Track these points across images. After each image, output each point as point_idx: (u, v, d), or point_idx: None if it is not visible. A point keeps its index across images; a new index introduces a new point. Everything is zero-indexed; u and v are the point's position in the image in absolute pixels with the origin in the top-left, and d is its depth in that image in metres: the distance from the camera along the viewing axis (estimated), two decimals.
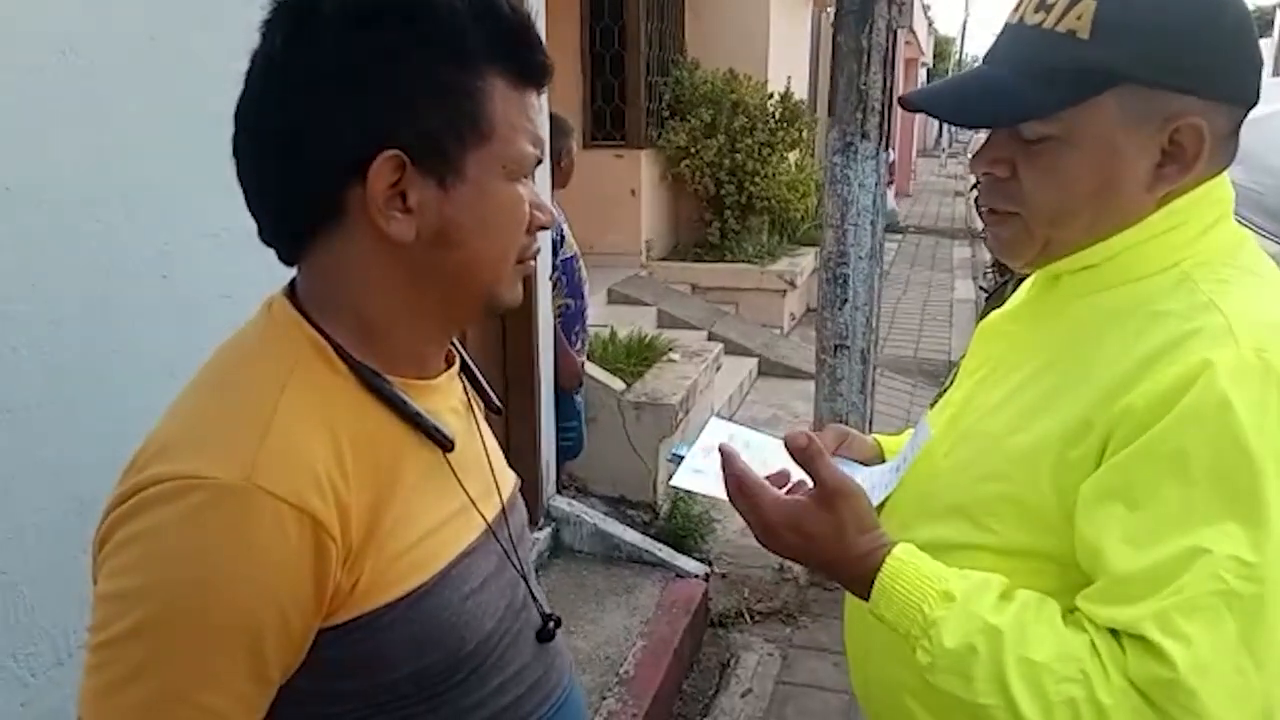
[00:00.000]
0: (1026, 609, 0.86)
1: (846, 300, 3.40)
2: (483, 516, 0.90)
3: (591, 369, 3.88)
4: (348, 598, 0.76)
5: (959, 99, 0.98)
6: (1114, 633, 0.82)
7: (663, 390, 4.01)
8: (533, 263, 0.88)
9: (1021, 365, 0.99)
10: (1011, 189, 0.95)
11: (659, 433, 3.88)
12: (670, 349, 4.46)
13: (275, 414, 0.74)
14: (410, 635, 0.79)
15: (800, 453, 0.94)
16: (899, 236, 12.40)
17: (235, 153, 0.81)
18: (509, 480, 1.00)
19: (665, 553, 3.43)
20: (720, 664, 3.18)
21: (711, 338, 5.76)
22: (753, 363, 5.96)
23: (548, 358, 3.30)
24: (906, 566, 0.90)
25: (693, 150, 6.99)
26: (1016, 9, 0.94)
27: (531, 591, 0.96)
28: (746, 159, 7.02)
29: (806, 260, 7.42)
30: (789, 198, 7.36)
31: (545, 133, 0.86)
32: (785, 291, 7.06)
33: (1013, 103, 0.91)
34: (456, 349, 0.96)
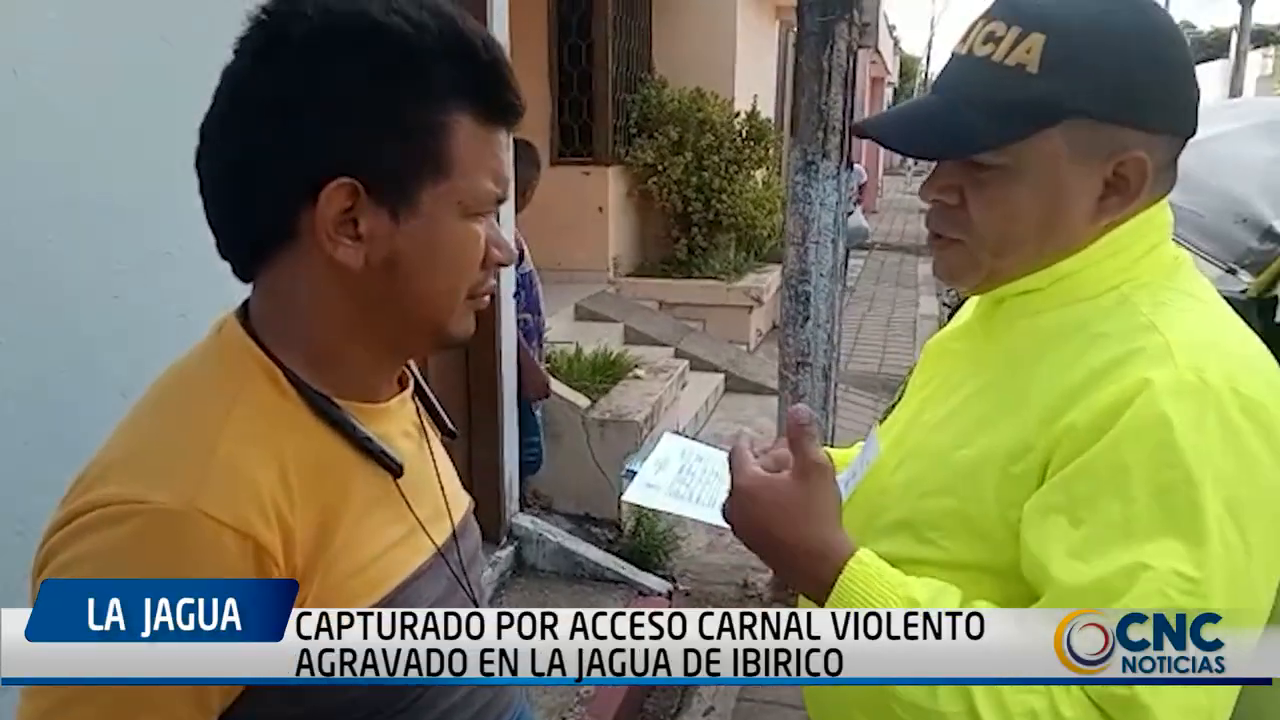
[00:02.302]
0: None
1: (808, 318, 3.43)
2: (432, 540, 0.90)
3: (556, 386, 3.88)
4: None
5: (910, 129, 0.99)
6: None
7: (628, 407, 4.01)
8: (487, 298, 0.88)
9: (965, 382, 1.01)
10: (959, 216, 0.97)
11: (623, 450, 3.88)
12: (636, 366, 4.47)
13: (220, 437, 0.74)
14: None
15: (796, 427, 0.93)
16: (865, 253, 12.52)
17: (198, 166, 0.81)
18: (462, 503, 1.00)
19: (628, 570, 3.43)
20: None
21: (678, 354, 5.78)
22: (719, 379, 5.99)
23: (511, 374, 3.30)
24: (869, 569, 0.90)
25: (660, 167, 7.02)
26: (965, 40, 0.96)
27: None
28: (713, 176, 7.07)
29: (773, 277, 7.47)
30: (755, 215, 7.41)
31: (509, 171, 0.86)
32: (752, 308, 7.10)
33: (962, 135, 0.92)
34: (410, 371, 0.96)
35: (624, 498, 1.10)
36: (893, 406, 1.18)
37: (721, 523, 1.04)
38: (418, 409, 0.97)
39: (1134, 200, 0.93)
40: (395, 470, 0.85)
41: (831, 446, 1.40)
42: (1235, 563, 0.80)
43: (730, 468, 0.96)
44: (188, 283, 1.51)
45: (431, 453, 0.97)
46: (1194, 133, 0.95)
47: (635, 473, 1.17)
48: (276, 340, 0.82)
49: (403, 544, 0.86)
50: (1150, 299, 0.92)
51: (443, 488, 0.96)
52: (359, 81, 0.76)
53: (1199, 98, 0.94)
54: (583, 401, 3.97)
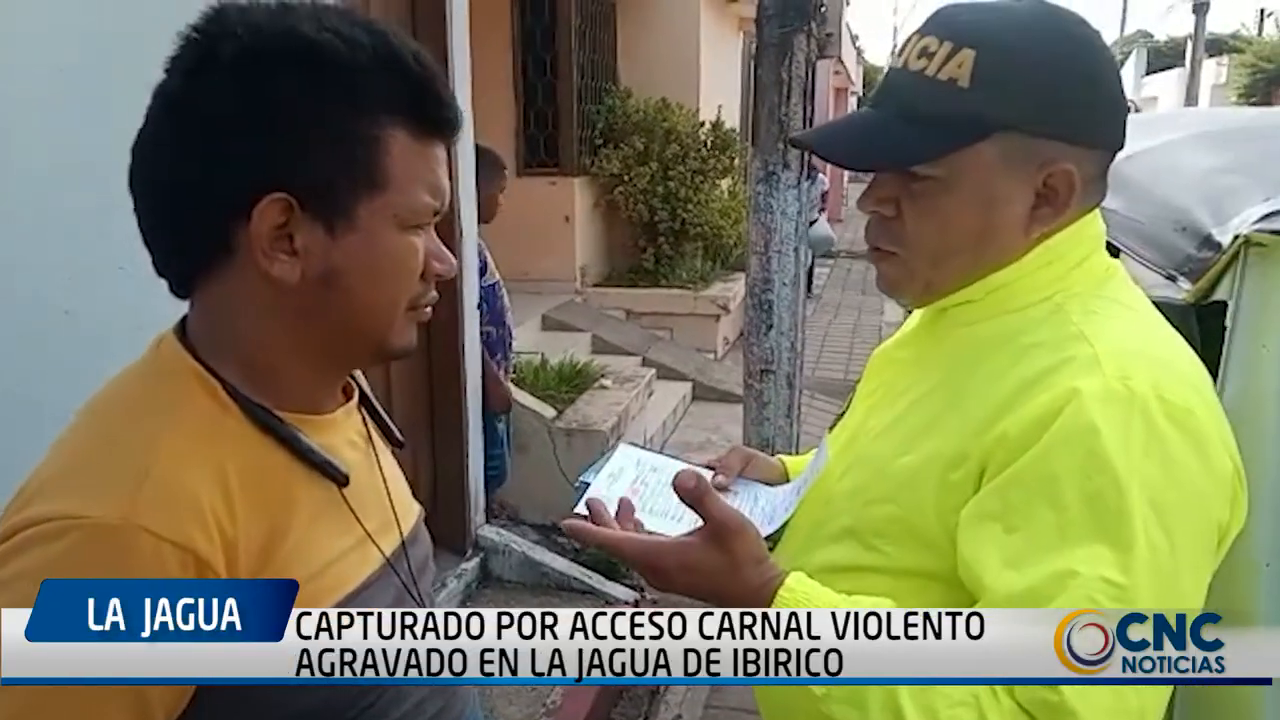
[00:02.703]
0: None
1: (772, 325, 3.45)
2: (380, 550, 0.90)
3: (522, 396, 3.88)
4: None
5: (845, 141, 1.02)
6: None
7: (594, 417, 4.02)
8: (428, 310, 0.89)
9: (908, 391, 1.03)
10: (895, 229, 0.99)
11: (590, 459, 3.87)
12: (602, 375, 4.48)
13: (159, 453, 0.74)
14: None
15: (688, 494, 0.92)
16: (830, 261, 12.60)
17: (131, 185, 0.81)
18: (411, 512, 1.00)
19: (595, 580, 3.43)
20: (650, 691, 3.18)
21: (646, 363, 5.80)
22: (686, 387, 6.00)
23: (475, 384, 3.29)
24: (797, 596, 0.90)
25: (626, 177, 7.05)
26: (900, 54, 0.98)
27: None
28: (679, 186, 7.10)
29: (739, 286, 7.47)
30: (722, 224, 7.45)
31: (446, 183, 0.86)
32: (719, 317, 7.13)
33: (896, 147, 0.95)
34: (355, 382, 0.96)
35: (576, 509, 1.11)
36: (841, 414, 1.20)
37: (670, 532, 1.05)
38: (364, 419, 0.97)
39: (1064, 211, 0.95)
40: (340, 480, 0.86)
41: (795, 454, 1.42)
42: (1162, 565, 0.82)
43: (637, 552, 0.94)
44: (140, 297, 1.50)
45: (379, 463, 0.97)
46: (1122, 146, 0.97)
47: (589, 485, 1.17)
48: (215, 355, 0.82)
49: (351, 554, 0.87)
50: (1081, 308, 0.94)
51: (390, 497, 0.96)
52: (291, 98, 0.76)
53: (1126, 112, 0.97)
54: (549, 411, 3.98)
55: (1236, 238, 1.20)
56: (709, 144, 7.45)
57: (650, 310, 7.08)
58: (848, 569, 0.99)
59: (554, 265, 6.85)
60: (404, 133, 0.80)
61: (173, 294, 0.85)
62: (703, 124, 7.53)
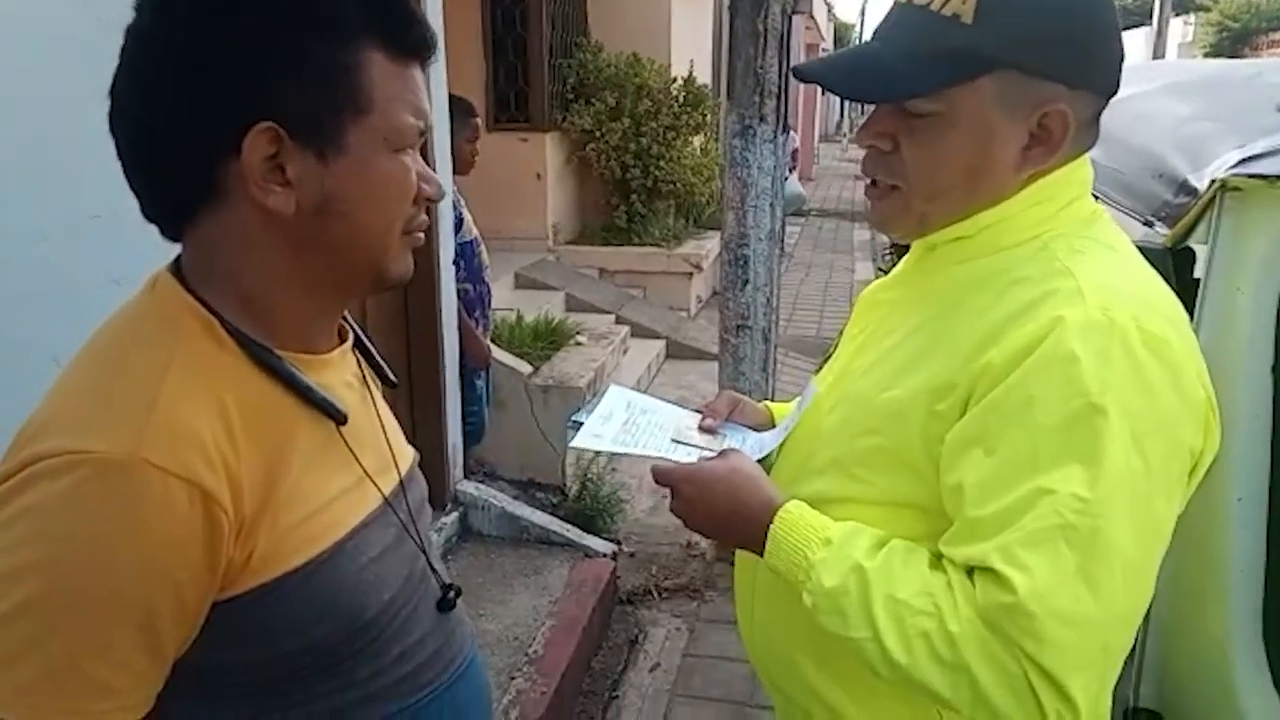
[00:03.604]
0: (894, 553, 0.93)
1: (748, 281, 3.46)
2: (379, 489, 0.91)
3: (498, 353, 3.87)
4: (242, 570, 0.77)
5: (848, 73, 1.02)
6: (970, 572, 0.88)
7: (570, 373, 4.03)
8: (421, 235, 0.89)
9: (895, 329, 1.05)
10: (893, 162, 1.00)
11: (567, 415, 3.89)
12: (577, 332, 4.49)
13: (161, 388, 0.74)
14: (307, 606, 0.80)
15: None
16: (802, 219, 12.62)
17: (111, 129, 0.81)
18: (407, 455, 1.01)
19: (574, 533, 3.46)
20: (629, 640, 3.23)
21: (619, 321, 5.80)
22: (660, 345, 6.02)
23: (452, 341, 3.29)
24: (795, 518, 0.98)
25: (598, 134, 6.99)
26: None
27: (430, 563, 0.97)
28: (651, 143, 7.05)
29: (712, 243, 7.51)
30: (694, 181, 7.42)
31: (428, 105, 0.87)
32: (692, 274, 7.14)
33: (898, 80, 0.96)
34: (349, 324, 0.96)
35: (570, 444, 1.14)
36: (828, 357, 1.22)
37: (660, 455, 1.10)
38: (359, 362, 0.98)
39: (1056, 152, 0.97)
40: (339, 418, 0.86)
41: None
42: (1137, 486, 0.85)
43: (659, 478, 1.08)
44: (118, 246, 1.48)
45: (375, 405, 0.98)
46: (1116, 92, 0.99)
47: (581, 423, 1.19)
48: (212, 292, 0.82)
49: (350, 493, 0.88)
50: (1067, 247, 0.97)
51: (388, 439, 0.97)
52: (267, 26, 0.76)
53: (1123, 59, 0.99)
54: (525, 368, 3.98)
55: (1213, 182, 1.22)
56: (681, 100, 7.39)
57: (623, 268, 7.06)
58: (836, 499, 1.02)
59: (526, 223, 6.80)
60: (381, 55, 0.80)
61: (164, 237, 0.85)
62: (675, 80, 7.47)
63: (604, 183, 7.33)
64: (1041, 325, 0.89)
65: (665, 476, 1.08)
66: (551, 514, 3.64)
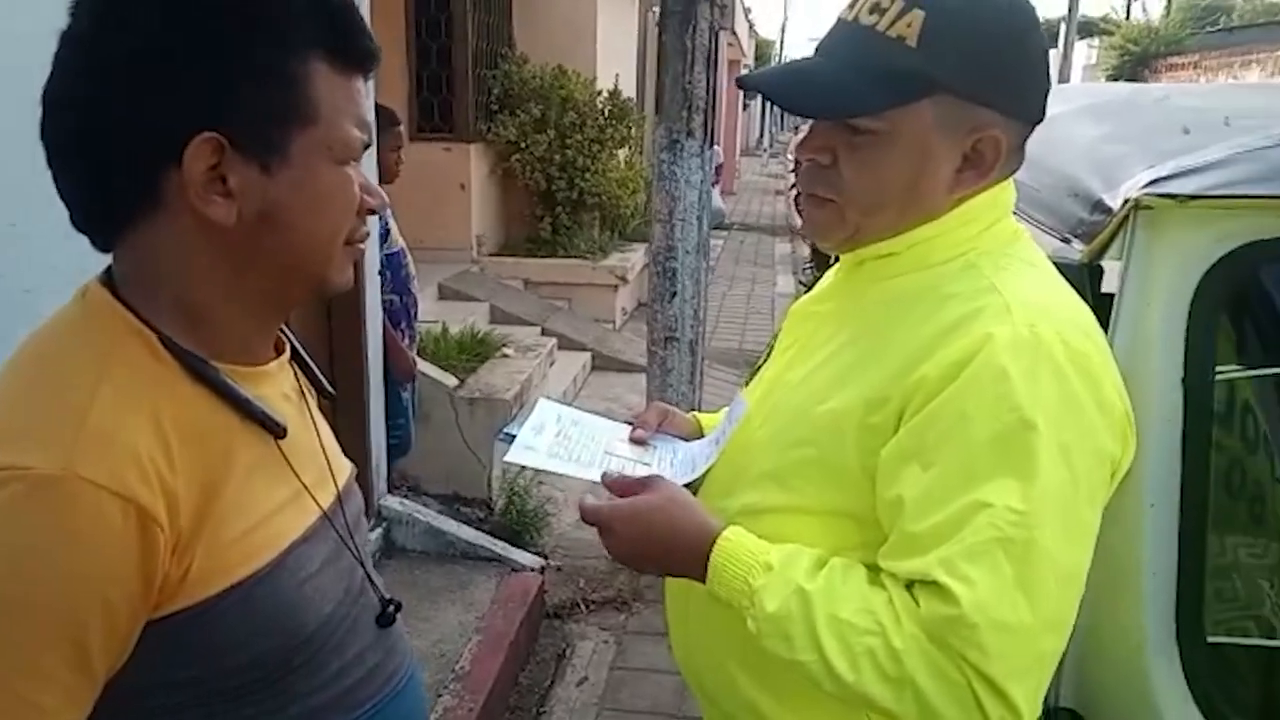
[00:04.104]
0: (834, 572, 0.94)
1: (675, 293, 3.49)
2: (317, 503, 0.90)
3: (423, 365, 3.82)
4: (178, 587, 0.75)
5: (793, 87, 1.04)
6: (910, 586, 0.90)
7: (497, 386, 4.00)
8: (362, 245, 0.89)
9: (827, 342, 1.08)
10: (831, 176, 1.03)
11: (493, 428, 3.86)
12: (504, 344, 4.46)
13: (94, 401, 0.72)
14: (245, 623, 0.79)
15: (613, 484, 1.09)
16: (724, 233, 12.76)
17: (43, 137, 0.78)
18: (344, 468, 1.00)
19: (500, 547, 3.43)
20: (556, 654, 3.21)
21: (545, 333, 5.78)
22: (586, 357, 6.02)
23: (376, 353, 3.23)
24: (734, 545, 0.97)
25: (523, 145, 6.97)
26: (851, 7, 1.02)
27: (369, 576, 0.96)
28: (577, 155, 7.06)
29: (637, 256, 7.54)
30: (619, 194, 7.45)
31: (371, 116, 0.86)
32: (617, 286, 7.15)
33: (843, 97, 0.98)
34: (286, 336, 0.95)
35: (504, 459, 1.13)
36: (757, 368, 1.24)
37: (596, 478, 1.09)
38: (296, 374, 0.96)
39: (987, 175, 1.01)
40: (278, 431, 0.85)
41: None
42: (1065, 496, 0.89)
43: (588, 516, 1.06)
44: (34, 256, 1.43)
45: (312, 418, 0.96)
46: (1042, 120, 1.03)
47: (513, 436, 1.19)
48: (147, 304, 0.80)
49: (289, 507, 0.86)
50: (992, 264, 1.00)
51: (325, 452, 0.96)
52: (211, 34, 0.74)
53: (1049, 88, 1.03)
54: (450, 380, 3.93)
55: (1126, 202, 1.28)
56: (606, 113, 7.42)
57: (548, 280, 7.04)
58: (769, 510, 1.04)
59: (449, 233, 6.73)
60: (326, 66, 0.80)
61: (95, 247, 0.82)
62: (600, 93, 7.50)
63: (529, 194, 7.31)
64: (973, 341, 0.91)
65: (595, 515, 1.04)
66: (477, 528, 3.61)
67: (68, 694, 0.71)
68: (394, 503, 3.44)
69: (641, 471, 1.14)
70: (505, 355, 4.39)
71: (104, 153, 0.76)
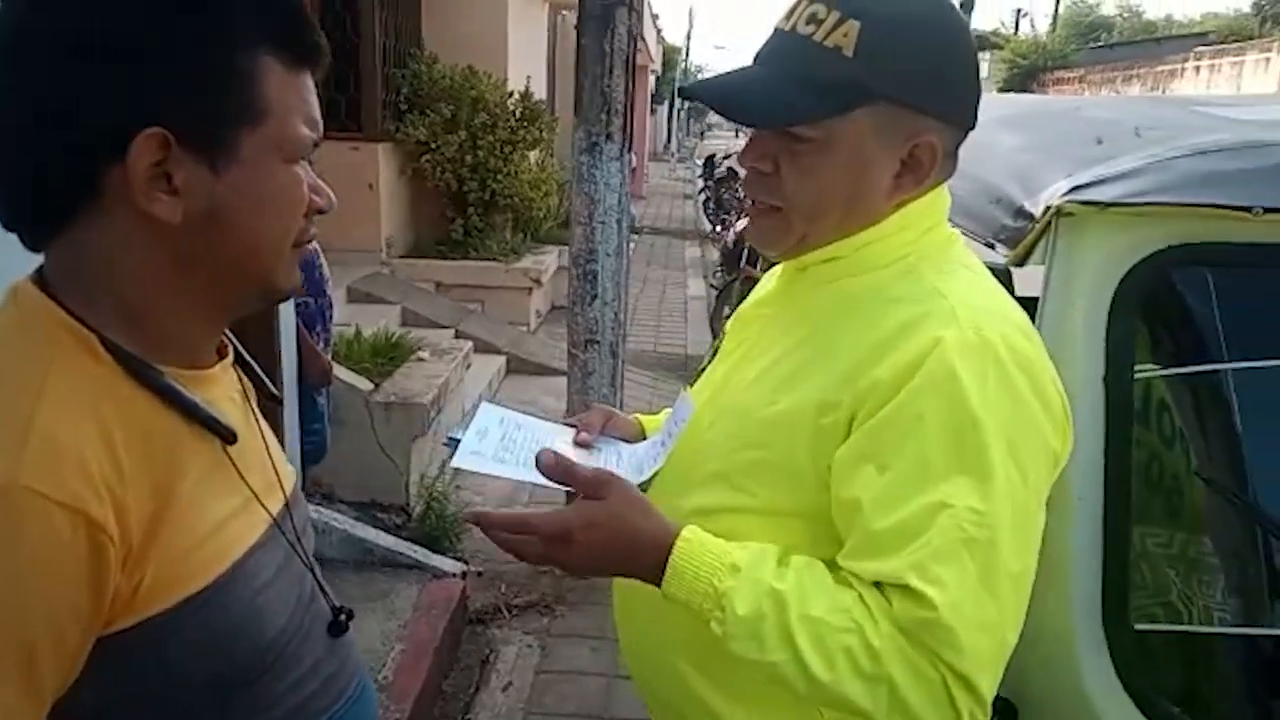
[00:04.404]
0: (802, 571, 0.95)
1: (596, 296, 3.50)
2: (267, 511, 0.87)
3: (337, 369, 3.74)
4: (130, 601, 0.72)
5: (734, 96, 1.05)
6: (877, 584, 0.92)
7: (413, 390, 3.93)
8: (311, 247, 0.87)
9: (773, 345, 1.09)
10: (774, 184, 1.04)
11: (410, 433, 3.80)
12: (419, 347, 4.39)
13: (37, 409, 0.69)
14: (201, 636, 0.76)
15: (553, 470, 1.03)
16: (635, 237, 12.81)
17: None
18: (289, 473, 0.97)
19: (420, 554, 3.38)
20: (480, 660, 3.18)
21: (459, 336, 5.71)
22: (501, 360, 5.97)
23: (290, 358, 3.14)
24: (695, 546, 0.96)
25: (433, 145, 6.87)
26: (789, 17, 1.03)
27: (320, 583, 0.93)
28: (489, 156, 6.99)
29: (551, 258, 7.52)
30: (532, 196, 7.41)
31: (319, 114, 0.84)
32: (531, 289, 7.11)
33: (782, 107, 1.00)
34: (229, 339, 0.92)
35: (452, 464, 1.11)
36: (702, 369, 1.25)
37: (545, 481, 1.08)
38: (240, 377, 0.93)
39: (925, 180, 1.04)
40: (227, 437, 0.82)
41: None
42: (1016, 493, 0.92)
43: (528, 530, 1.00)
44: None
45: (258, 422, 0.94)
46: (974, 126, 1.06)
47: (457, 441, 1.17)
48: (86, 305, 0.76)
49: (239, 515, 0.83)
50: (933, 269, 1.04)
51: (271, 458, 0.93)
52: (158, 22, 0.72)
53: (980, 96, 1.06)
54: (365, 385, 3.86)
55: (1048, 208, 1.33)
56: (518, 114, 7.38)
57: (461, 282, 6.96)
58: (719, 510, 1.05)
59: (358, 235, 6.58)
60: (275, 61, 0.78)
61: (26, 246, 0.78)
62: (512, 94, 7.45)
63: (440, 195, 7.22)
64: (923, 345, 0.94)
65: (553, 526, 0.98)
66: (396, 535, 3.54)
67: (11, 715, 0.68)
68: (309, 510, 3.35)
69: None
70: (421, 359, 4.32)
71: (40, 148, 0.73)
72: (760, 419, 1.03)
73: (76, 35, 0.70)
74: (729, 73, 1.11)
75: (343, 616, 0.94)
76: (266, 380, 0.97)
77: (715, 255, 10.79)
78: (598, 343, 3.53)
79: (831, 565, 0.97)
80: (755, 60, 1.08)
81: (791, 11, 1.03)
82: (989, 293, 1.04)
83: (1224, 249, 1.24)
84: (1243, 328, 1.25)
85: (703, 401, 1.15)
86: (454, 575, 3.31)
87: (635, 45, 3.50)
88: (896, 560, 0.90)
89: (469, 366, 4.80)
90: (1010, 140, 1.73)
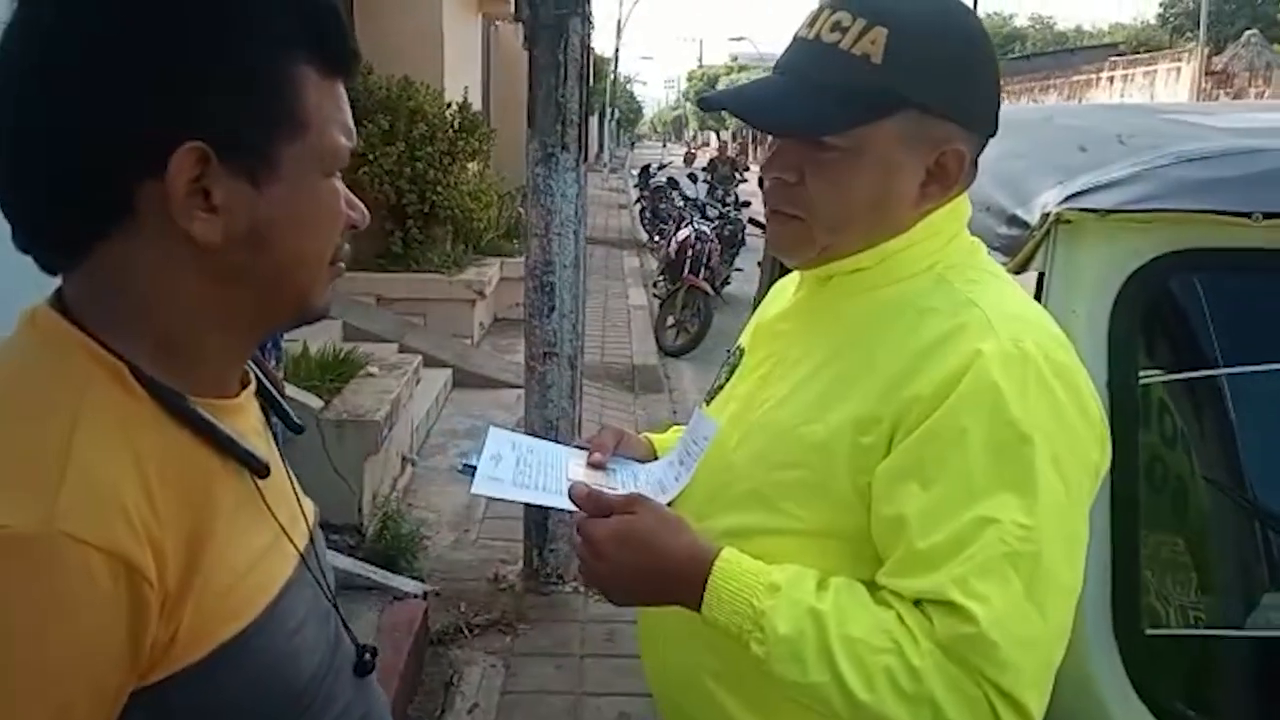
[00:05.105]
0: (841, 592, 0.93)
1: (554, 308, 3.45)
2: (295, 546, 0.82)
3: (287, 387, 3.63)
4: (167, 649, 0.67)
5: (765, 106, 1.04)
6: (917, 604, 0.90)
7: (365, 406, 3.84)
8: (343, 265, 0.82)
9: (804, 360, 1.07)
10: (798, 194, 1.03)
11: (363, 451, 3.71)
12: (368, 363, 4.29)
13: (71, 447, 0.63)
14: (238, 684, 0.71)
15: (584, 501, 1.02)
16: None
17: None
18: (310, 506, 0.92)
19: (379, 575, 3.29)
20: (444, 683, 3.10)
21: (403, 350, 5.59)
22: (447, 374, 5.87)
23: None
24: (733, 567, 0.94)
25: (371, 157, 6.74)
26: (811, 25, 1.01)
27: (344, 622, 0.89)
28: (428, 168, 6.90)
29: (493, 269, 7.44)
30: (472, 207, 7.32)
31: (353, 124, 0.80)
32: (475, 301, 7.02)
33: (810, 116, 0.98)
34: (250, 368, 0.86)
35: (473, 491, 1.07)
36: (719, 387, 1.22)
37: (570, 506, 1.05)
38: (263, 407, 0.88)
39: (951, 189, 1.03)
40: (261, 470, 0.77)
41: (578, 435, 1.43)
42: (1060, 505, 0.91)
43: (582, 534, 1.01)
44: None
45: (280, 453, 0.89)
46: (995, 133, 1.06)
47: (473, 468, 1.14)
48: (115, 333, 0.71)
49: (270, 554, 0.79)
50: (962, 277, 1.03)
51: (295, 489, 0.88)
52: (197, 27, 0.67)
53: (1000, 102, 1.06)
54: (315, 402, 3.75)
55: (1046, 215, 1.34)
56: (456, 125, 7.29)
57: (402, 295, 6.84)
58: (754, 532, 1.02)
59: None
60: (312, 70, 0.73)
61: (44, 269, 0.73)
62: (449, 105, 7.36)
63: (378, 207, 7.06)
64: (962, 358, 0.93)
65: (592, 527, 1.00)
66: (351, 556, 3.45)
67: None
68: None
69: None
70: (370, 374, 4.22)
71: (69, 164, 0.67)
72: (797, 437, 1.01)
73: (109, 42, 0.66)
74: (752, 82, 1.09)
75: (368, 655, 0.89)
76: (290, 412, 0.92)
77: (654, 265, 10.80)
78: (556, 355, 3.49)
79: (871, 586, 0.95)
80: (776, 69, 1.06)
81: (814, 20, 1.02)
82: (1021, 301, 1.03)
83: (1224, 254, 1.26)
84: (1242, 331, 1.28)
85: (727, 419, 1.12)
86: (415, 596, 3.24)
87: (588, 55, 3.47)
88: (939, 575, 0.89)
89: (419, 381, 4.71)
90: (989, 148, 1.74)
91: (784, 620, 0.90)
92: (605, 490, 1.09)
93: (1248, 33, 19.96)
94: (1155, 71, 19.44)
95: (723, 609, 0.93)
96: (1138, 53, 23.87)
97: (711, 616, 0.94)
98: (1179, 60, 19.15)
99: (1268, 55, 18.67)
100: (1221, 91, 17.45)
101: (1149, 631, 1.24)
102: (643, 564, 0.97)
